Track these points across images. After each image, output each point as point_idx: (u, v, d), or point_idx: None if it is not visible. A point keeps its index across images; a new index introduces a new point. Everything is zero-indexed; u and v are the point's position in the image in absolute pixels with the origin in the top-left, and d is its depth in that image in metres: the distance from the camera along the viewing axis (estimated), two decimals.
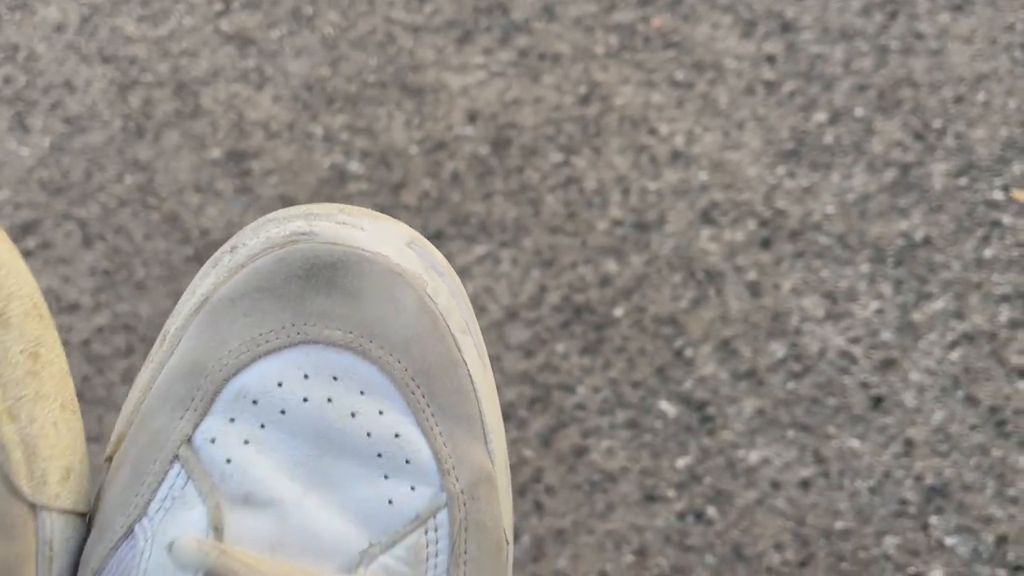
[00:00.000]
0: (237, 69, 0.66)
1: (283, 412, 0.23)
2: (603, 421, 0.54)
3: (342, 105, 0.64)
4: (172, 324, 0.24)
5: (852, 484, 0.52)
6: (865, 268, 0.57)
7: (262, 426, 0.23)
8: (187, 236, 0.61)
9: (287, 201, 0.62)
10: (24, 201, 0.62)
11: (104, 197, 0.62)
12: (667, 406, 0.54)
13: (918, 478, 0.52)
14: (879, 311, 0.56)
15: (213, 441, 0.22)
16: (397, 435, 0.23)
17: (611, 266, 0.58)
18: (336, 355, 0.23)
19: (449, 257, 0.60)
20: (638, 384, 0.55)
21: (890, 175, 0.60)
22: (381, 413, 0.23)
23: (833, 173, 0.60)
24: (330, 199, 0.61)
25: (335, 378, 0.23)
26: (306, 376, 0.23)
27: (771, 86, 0.62)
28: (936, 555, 0.50)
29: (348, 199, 0.61)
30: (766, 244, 0.58)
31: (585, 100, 0.63)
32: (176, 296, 0.60)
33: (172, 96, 0.65)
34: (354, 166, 0.62)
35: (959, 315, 0.56)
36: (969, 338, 0.55)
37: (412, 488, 0.23)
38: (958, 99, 0.61)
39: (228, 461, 0.22)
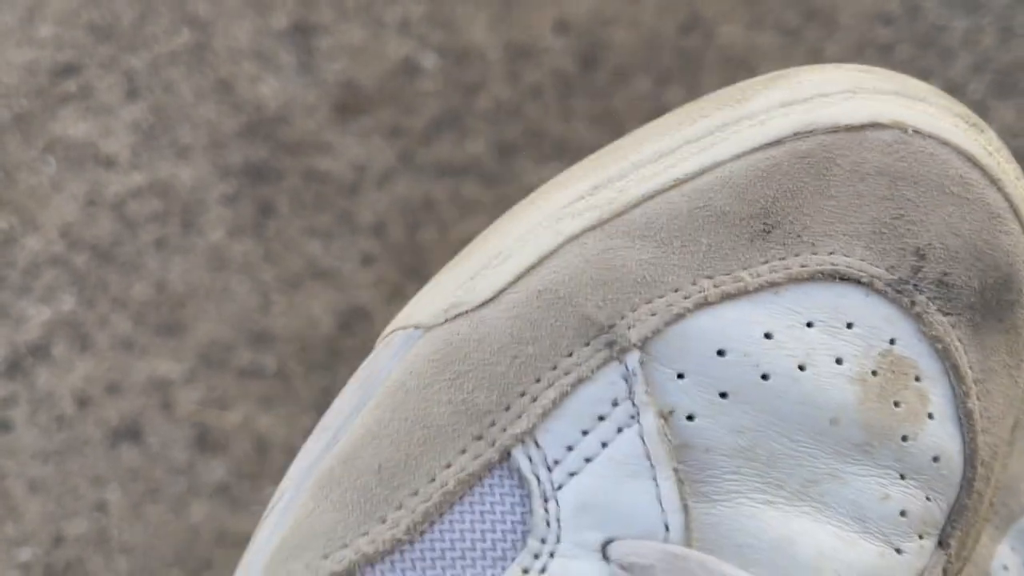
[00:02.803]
0: None
1: None
2: None
3: None
4: None
5: None
6: None
7: None
8: (239, 107, 0.56)
9: (352, 88, 0.57)
10: (68, 41, 0.57)
11: (155, 49, 0.57)
12: None
13: None
14: None
15: None
16: None
17: None
18: None
19: (519, 174, 0.56)
20: None
21: None
22: None
23: None
24: (398, 95, 0.57)
25: None
26: None
27: (884, 49, 0.58)
28: None
29: (417, 97, 0.56)
30: None
31: (686, 30, 0.59)
32: (221, 170, 0.55)
33: None
34: (428, 62, 0.57)
35: None
36: None
37: None
38: None
39: None
